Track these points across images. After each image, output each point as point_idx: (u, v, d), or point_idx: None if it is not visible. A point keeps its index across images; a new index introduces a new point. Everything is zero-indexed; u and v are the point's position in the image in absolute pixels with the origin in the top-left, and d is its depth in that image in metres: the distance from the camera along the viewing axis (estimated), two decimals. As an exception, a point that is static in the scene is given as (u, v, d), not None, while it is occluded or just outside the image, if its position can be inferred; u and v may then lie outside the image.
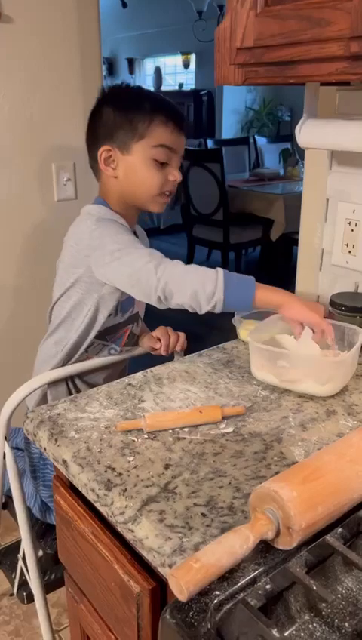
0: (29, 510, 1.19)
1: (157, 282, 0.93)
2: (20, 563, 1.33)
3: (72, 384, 1.18)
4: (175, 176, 1.10)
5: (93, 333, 1.13)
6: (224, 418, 0.84)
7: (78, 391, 1.18)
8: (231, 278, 0.91)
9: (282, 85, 0.90)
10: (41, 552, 1.26)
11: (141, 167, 1.07)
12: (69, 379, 1.17)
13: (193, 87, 7.12)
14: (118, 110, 1.07)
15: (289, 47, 0.74)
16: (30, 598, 1.47)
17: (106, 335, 1.18)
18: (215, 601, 0.53)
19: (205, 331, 3.39)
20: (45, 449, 0.81)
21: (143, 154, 1.06)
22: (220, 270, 0.92)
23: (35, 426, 0.84)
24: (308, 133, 0.97)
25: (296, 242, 4.30)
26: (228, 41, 0.82)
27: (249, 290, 0.90)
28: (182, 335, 1.23)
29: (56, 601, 1.54)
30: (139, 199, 1.12)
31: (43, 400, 1.18)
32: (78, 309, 1.11)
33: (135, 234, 1.18)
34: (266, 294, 0.92)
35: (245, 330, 1.10)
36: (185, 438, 0.80)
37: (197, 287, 0.90)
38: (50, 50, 1.58)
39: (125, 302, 1.15)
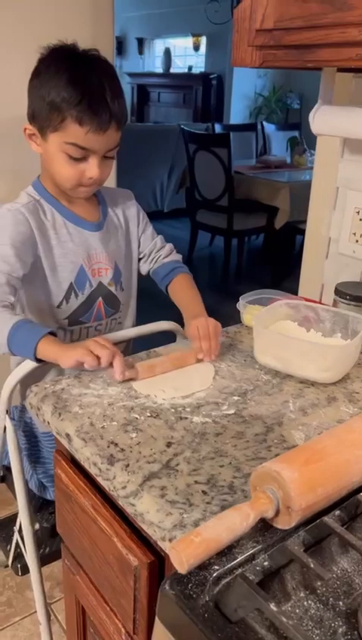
0: (26, 484, 1.20)
1: None
2: (16, 535, 1.35)
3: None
4: (92, 173, 1.03)
5: (55, 324, 1.13)
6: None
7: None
8: (18, 335, 0.90)
9: (299, 70, 0.90)
10: (37, 525, 1.28)
11: (55, 157, 1.03)
12: None
13: (203, 70, 7.04)
14: (41, 88, 0.99)
15: (310, 31, 0.74)
16: (24, 571, 1.49)
17: (79, 317, 1.17)
18: (214, 574, 0.55)
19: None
20: (48, 423, 0.82)
21: (57, 146, 1.01)
22: (13, 326, 0.90)
23: (38, 400, 0.85)
24: (322, 119, 0.96)
25: (300, 231, 4.25)
26: (247, 22, 0.81)
27: (29, 351, 0.89)
28: (214, 341, 0.99)
29: (49, 574, 1.56)
30: (59, 185, 1.08)
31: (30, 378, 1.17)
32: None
33: (110, 211, 1.18)
34: (45, 353, 0.89)
35: (249, 315, 1.11)
36: (186, 418, 0.81)
37: None
38: (61, 26, 1.56)
39: (77, 282, 1.14)
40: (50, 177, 1.09)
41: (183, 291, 1.21)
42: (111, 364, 0.87)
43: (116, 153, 1.07)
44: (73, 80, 0.97)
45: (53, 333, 0.91)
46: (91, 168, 1.03)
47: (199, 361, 0.98)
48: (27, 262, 1.04)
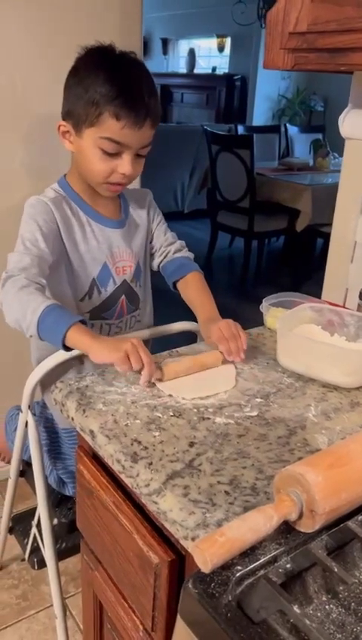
0: (46, 479, 1.21)
1: (0, 295, 0.96)
2: (34, 530, 1.36)
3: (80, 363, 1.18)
4: (124, 169, 1.04)
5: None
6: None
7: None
8: (49, 318, 0.89)
9: (330, 73, 0.89)
10: (55, 521, 1.29)
11: (88, 152, 1.04)
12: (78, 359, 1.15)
13: (226, 71, 7.03)
14: (79, 85, 1.02)
15: (344, 34, 0.74)
16: (40, 565, 1.51)
17: (101, 313, 1.18)
18: (237, 575, 0.55)
19: (223, 318, 3.40)
20: (73, 419, 0.83)
21: (92, 141, 1.03)
22: (46, 307, 0.89)
23: (63, 396, 0.86)
24: (352, 123, 0.96)
25: (321, 234, 4.21)
26: (280, 25, 0.81)
27: (58, 334, 0.88)
28: (243, 337, 0.98)
29: (64, 569, 1.57)
30: (88, 180, 1.10)
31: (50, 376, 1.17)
32: None
33: (126, 210, 1.19)
34: (76, 340, 0.88)
35: (272, 317, 1.10)
36: (209, 419, 0.82)
37: (19, 316, 0.92)
38: (90, 27, 1.57)
39: (100, 279, 1.15)
40: (80, 174, 1.10)
41: (195, 291, 1.20)
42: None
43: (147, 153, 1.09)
44: (111, 77, 0.99)
45: (83, 322, 0.91)
46: (124, 164, 1.04)
47: (225, 362, 0.97)
48: (55, 251, 1.06)
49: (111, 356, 0.85)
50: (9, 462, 1.40)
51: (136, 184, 1.83)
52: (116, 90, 0.98)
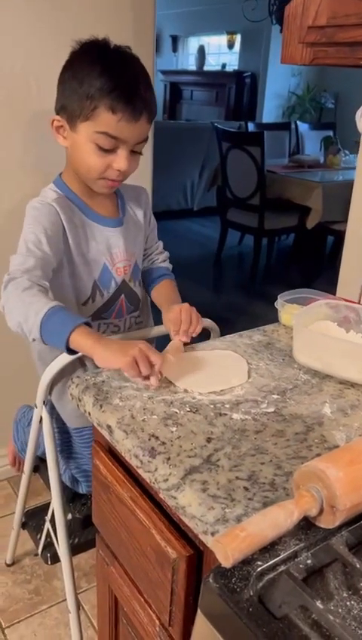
0: (60, 474, 1.21)
1: (2, 297, 0.95)
2: (47, 525, 1.37)
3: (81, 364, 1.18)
4: (119, 165, 1.02)
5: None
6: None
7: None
8: (52, 321, 0.88)
9: (349, 67, 0.89)
10: (69, 516, 1.30)
11: (83, 148, 1.02)
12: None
13: (236, 68, 7.01)
14: (73, 79, 1.00)
15: (364, 28, 0.73)
16: (53, 560, 1.51)
17: (101, 314, 1.17)
18: (257, 570, 0.55)
19: (233, 316, 3.39)
20: (90, 414, 0.84)
21: (87, 136, 1.01)
22: (50, 309, 0.88)
23: (80, 391, 0.86)
24: (370, 118, 0.95)
25: (331, 232, 4.19)
26: (298, 19, 0.81)
27: (62, 337, 0.87)
28: (198, 328, 1.04)
29: (76, 565, 1.57)
30: (82, 177, 1.08)
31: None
32: None
33: (122, 207, 1.18)
34: (80, 343, 0.86)
35: (288, 314, 1.10)
36: (226, 414, 0.81)
37: (21, 319, 0.91)
38: (102, 24, 1.57)
39: (102, 281, 1.14)
40: (75, 171, 1.09)
41: (166, 291, 1.24)
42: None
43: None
44: (107, 70, 0.98)
45: (88, 324, 0.89)
46: (119, 160, 1.02)
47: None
48: (58, 254, 1.04)
49: (118, 361, 0.83)
50: (20, 469, 1.41)
51: (147, 182, 1.83)
52: (112, 84, 0.97)
